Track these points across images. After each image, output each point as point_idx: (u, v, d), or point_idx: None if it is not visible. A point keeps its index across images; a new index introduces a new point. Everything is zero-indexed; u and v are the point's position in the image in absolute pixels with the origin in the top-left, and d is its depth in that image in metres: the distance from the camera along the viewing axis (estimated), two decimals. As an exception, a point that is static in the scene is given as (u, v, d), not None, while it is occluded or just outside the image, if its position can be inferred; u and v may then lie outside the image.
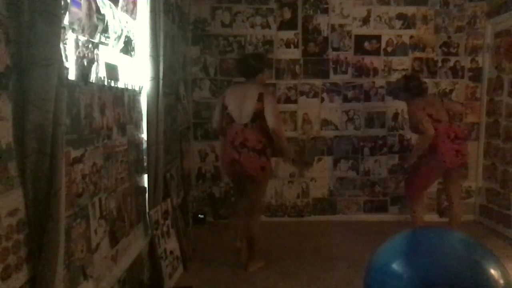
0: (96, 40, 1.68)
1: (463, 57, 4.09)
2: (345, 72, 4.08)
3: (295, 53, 4.05)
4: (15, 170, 1.12)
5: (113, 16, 1.88)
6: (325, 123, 4.13)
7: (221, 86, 4.00)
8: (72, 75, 1.47)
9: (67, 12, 1.38)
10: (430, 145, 3.03)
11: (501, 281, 1.37)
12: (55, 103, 1.16)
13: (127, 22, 2.09)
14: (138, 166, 2.30)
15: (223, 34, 3.99)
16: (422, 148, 3.08)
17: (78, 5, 1.51)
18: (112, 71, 1.90)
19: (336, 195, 4.20)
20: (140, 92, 2.36)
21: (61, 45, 1.23)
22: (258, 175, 2.75)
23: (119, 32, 1.97)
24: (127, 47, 2.13)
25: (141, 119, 2.39)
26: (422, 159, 3.19)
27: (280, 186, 4.16)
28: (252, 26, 3.99)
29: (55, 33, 1.14)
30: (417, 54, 4.08)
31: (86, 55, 1.58)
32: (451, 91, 4.11)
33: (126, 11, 2.09)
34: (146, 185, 2.44)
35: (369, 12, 4.02)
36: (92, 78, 1.66)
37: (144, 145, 2.41)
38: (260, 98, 2.71)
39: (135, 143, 2.27)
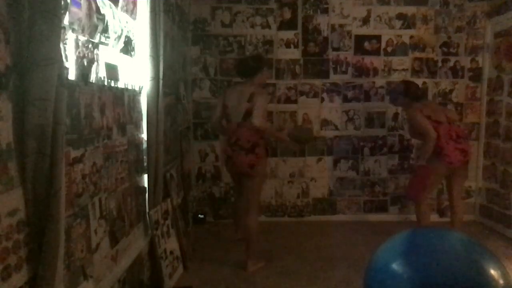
0: (96, 40, 1.68)
1: (463, 57, 4.09)
2: (345, 72, 4.08)
3: (295, 53, 4.05)
4: (15, 170, 1.12)
5: (113, 16, 1.88)
6: (325, 123, 4.13)
7: (221, 86, 4.00)
8: (72, 75, 1.47)
9: (67, 12, 1.38)
10: (434, 147, 3.03)
11: (501, 281, 1.37)
12: (55, 103, 1.16)
13: (127, 22, 2.09)
14: (138, 166, 2.30)
15: (223, 34, 3.99)
16: (429, 152, 3.07)
17: (78, 5, 1.51)
18: (112, 71, 1.90)
19: (336, 195, 4.20)
20: (140, 92, 2.36)
21: (61, 45, 1.23)
22: (247, 172, 2.81)
23: (119, 32, 1.97)
24: (127, 47, 2.13)
25: (141, 119, 2.39)
26: (426, 161, 3.17)
27: (280, 186, 4.16)
28: (252, 26, 3.99)
29: (55, 33, 1.14)
30: (417, 54, 4.08)
31: (86, 55, 1.58)
32: (451, 91, 4.12)
33: (126, 11, 2.09)
34: (146, 185, 2.44)
35: (369, 12, 4.03)
36: (92, 78, 1.66)
37: (144, 145, 2.41)
38: (251, 98, 2.79)
39: (135, 143, 2.27)
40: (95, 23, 1.66)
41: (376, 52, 4.06)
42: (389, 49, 4.07)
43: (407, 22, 4.05)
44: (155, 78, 2.37)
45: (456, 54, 4.09)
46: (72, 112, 1.46)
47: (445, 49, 4.09)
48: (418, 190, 3.27)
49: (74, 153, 1.49)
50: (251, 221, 2.89)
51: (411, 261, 1.49)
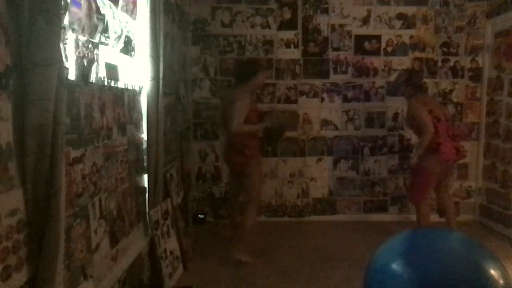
0: (96, 40, 1.68)
1: (463, 57, 4.09)
2: (345, 72, 4.08)
3: (295, 53, 4.05)
4: (15, 170, 1.12)
5: (113, 16, 1.88)
6: (325, 123, 4.13)
7: (221, 86, 4.00)
8: (72, 75, 1.47)
9: (67, 12, 1.38)
10: (431, 144, 3.03)
11: (501, 281, 1.37)
12: (55, 103, 1.16)
13: (127, 22, 2.09)
14: (138, 166, 2.30)
15: (223, 34, 3.98)
16: (424, 146, 3.07)
17: (78, 5, 1.51)
18: (112, 71, 1.90)
19: (336, 195, 4.20)
20: (140, 92, 2.36)
21: (61, 45, 1.23)
22: (241, 171, 3.02)
23: (119, 32, 1.97)
24: (127, 47, 2.13)
25: (141, 119, 2.39)
26: (423, 161, 3.16)
27: (280, 186, 4.16)
28: (252, 26, 3.99)
29: (55, 33, 1.14)
30: (417, 54, 4.08)
31: (86, 55, 1.58)
32: (451, 91, 4.12)
33: (126, 11, 2.09)
34: (146, 185, 2.44)
35: (369, 12, 4.02)
36: (92, 78, 1.66)
37: (144, 145, 2.41)
38: (233, 105, 2.86)
39: (135, 143, 2.27)
40: (95, 23, 1.66)
41: (376, 52, 4.06)
42: (389, 49, 4.07)
43: (407, 22, 4.05)
44: (155, 78, 2.37)
45: (456, 54, 4.09)
46: (72, 112, 1.46)
47: (445, 49, 4.09)
48: (418, 191, 3.27)
49: (74, 153, 1.49)
50: (248, 216, 3.01)
51: (411, 261, 1.50)
